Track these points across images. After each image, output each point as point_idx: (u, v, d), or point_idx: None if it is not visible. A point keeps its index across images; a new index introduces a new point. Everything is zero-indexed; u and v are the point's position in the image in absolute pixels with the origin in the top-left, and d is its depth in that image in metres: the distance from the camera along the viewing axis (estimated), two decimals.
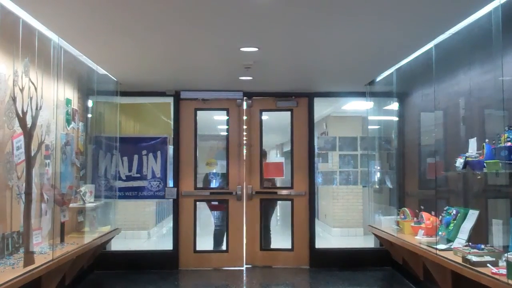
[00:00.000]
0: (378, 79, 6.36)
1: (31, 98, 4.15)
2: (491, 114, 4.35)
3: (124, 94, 6.72)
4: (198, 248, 7.08)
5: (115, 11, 3.72)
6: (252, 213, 7.25)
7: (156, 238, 9.99)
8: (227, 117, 7.29)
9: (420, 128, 6.29)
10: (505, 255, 3.49)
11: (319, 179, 7.97)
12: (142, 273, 6.59)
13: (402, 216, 5.85)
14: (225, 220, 7.22)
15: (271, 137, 11.47)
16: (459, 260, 3.93)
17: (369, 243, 7.62)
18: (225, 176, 7.30)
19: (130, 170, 6.94)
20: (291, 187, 7.32)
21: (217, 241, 7.51)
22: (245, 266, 7.07)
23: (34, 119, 4.17)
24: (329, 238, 9.76)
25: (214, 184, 7.51)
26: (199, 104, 7.15)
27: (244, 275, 6.83)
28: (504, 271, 3.33)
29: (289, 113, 7.40)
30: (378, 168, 7.32)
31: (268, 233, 7.50)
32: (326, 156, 8.53)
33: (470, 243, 4.22)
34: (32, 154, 4.12)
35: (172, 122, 7.11)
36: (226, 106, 7.26)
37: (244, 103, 7.34)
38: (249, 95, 7.21)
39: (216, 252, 7.28)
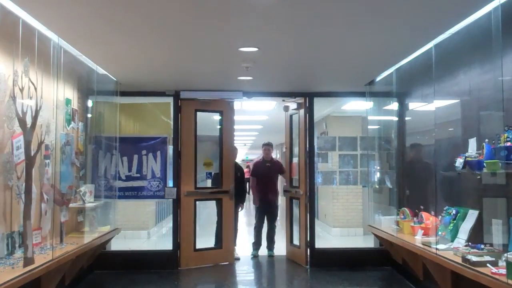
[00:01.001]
0: (378, 79, 6.36)
1: (31, 98, 4.15)
2: (490, 114, 4.35)
3: (124, 94, 6.71)
4: (197, 247, 7.12)
5: (115, 11, 3.73)
6: (286, 210, 7.78)
7: (156, 238, 9.99)
8: (220, 119, 7.42)
9: (419, 128, 6.30)
10: (505, 255, 3.49)
11: (319, 179, 7.98)
12: (142, 273, 6.59)
13: (402, 216, 5.85)
14: (220, 218, 7.37)
15: (271, 137, 11.50)
16: (459, 260, 3.94)
17: (369, 243, 7.63)
18: (219, 176, 7.41)
19: (130, 170, 6.94)
20: (298, 187, 7.42)
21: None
22: (236, 260, 7.30)
23: (34, 119, 4.17)
24: (329, 238, 9.76)
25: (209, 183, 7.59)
26: (198, 105, 7.19)
27: (239, 270, 6.89)
28: (503, 271, 3.33)
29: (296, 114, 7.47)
30: (378, 168, 7.32)
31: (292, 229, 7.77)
32: (326, 156, 8.54)
33: (469, 243, 4.22)
34: (32, 154, 4.12)
35: (172, 122, 7.12)
36: (220, 108, 7.35)
37: (286, 106, 7.81)
38: (249, 95, 7.23)
39: (212, 249, 7.30)
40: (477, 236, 4.30)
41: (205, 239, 7.50)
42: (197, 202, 7.24)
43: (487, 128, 4.36)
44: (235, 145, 8.42)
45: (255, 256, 7.73)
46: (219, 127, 7.50)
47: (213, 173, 7.52)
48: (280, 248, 7.90)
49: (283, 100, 7.65)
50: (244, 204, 8.66)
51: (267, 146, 8.22)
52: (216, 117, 7.51)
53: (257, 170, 8.21)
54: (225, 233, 7.28)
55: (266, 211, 8.01)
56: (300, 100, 7.32)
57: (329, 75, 6.27)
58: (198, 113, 7.24)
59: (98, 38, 4.51)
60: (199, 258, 7.04)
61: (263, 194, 8.01)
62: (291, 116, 7.83)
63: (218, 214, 7.44)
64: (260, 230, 7.97)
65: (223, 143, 7.40)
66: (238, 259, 7.49)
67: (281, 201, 9.86)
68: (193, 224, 7.10)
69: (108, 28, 4.17)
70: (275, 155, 14.75)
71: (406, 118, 6.75)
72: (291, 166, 7.85)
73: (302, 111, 7.32)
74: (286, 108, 7.88)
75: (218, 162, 7.37)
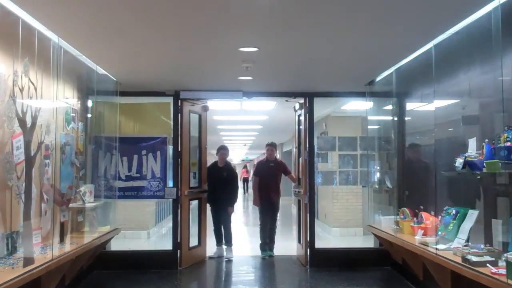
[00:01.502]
0: (378, 79, 6.36)
1: (30, 98, 4.16)
2: (490, 114, 4.35)
3: (124, 94, 6.72)
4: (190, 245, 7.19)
5: (114, 11, 3.73)
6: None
7: (156, 238, 10.00)
8: (198, 121, 7.61)
9: (419, 128, 6.30)
10: (505, 255, 3.49)
11: (318, 179, 7.98)
12: (142, 273, 6.59)
13: (402, 216, 5.85)
14: (199, 217, 7.52)
15: (271, 137, 11.50)
16: (459, 260, 3.94)
17: (368, 243, 7.63)
18: (200, 176, 7.62)
19: (129, 170, 6.94)
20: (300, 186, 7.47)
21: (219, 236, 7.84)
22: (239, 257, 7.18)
23: (34, 119, 4.17)
24: (328, 238, 9.76)
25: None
26: (190, 106, 7.27)
27: (239, 269, 6.89)
28: (503, 271, 3.33)
29: (289, 112, 7.45)
30: (378, 168, 7.32)
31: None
32: (325, 156, 8.54)
33: (469, 243, 4.22)
34: (32, 154, 4.12)
35: (171, 122, 7.12)
36: (199, 111, 7.59)
37: (297, 105, 7.78)
38: (248, 95, 7.23)
39: (196, 247, 7.33)
40: (477, 236, 4.31)
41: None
42: (190, 202, 7.33)
43: (487, 128, 4.36)
44: (226, 145, 8.49)
45: (264, 258, 7.64)
46: (198, 129, 7.70)
47: (196, 173, 7.62)
48: (282, 247, 7.90)
49: (286, 100, 7.61)
50: (239, 206, 8.60)
51: (271, 146, 8.15)
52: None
53: (260, 170, 8.19)
54: (203, 232, 7.48)
55: (268, 211, 7.94)
56: (301, 100, 7.32)
57: (329, 75, 6.27)
58: (192, 115, 7.38)
59: (98, 38, 4.51)
60: (191, 256, 7.10)
61: (266, 194, 7.92)
62: (299, 116, 7.79)
63: (198, 213, 7.55)
64: (266, 230, 7.88)
65: (202, 144, 7.64)
66: (230, 260, 7.47)
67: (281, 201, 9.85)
68: (187, 223, 7.16)
69: (108, 28, 4.17)
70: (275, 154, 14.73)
71: (406, 118, 6.75)
72: (298, 166, 7.83)
73: (302, 111, 7.31)
74: (295, 108, 7.87)
75: (198, 163, 7.59)
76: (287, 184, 9.64)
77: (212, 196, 7.68)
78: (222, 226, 7.79)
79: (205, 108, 7.77)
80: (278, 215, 8.33)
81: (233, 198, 7.92)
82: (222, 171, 7.84)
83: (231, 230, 7.84)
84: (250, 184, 29.85)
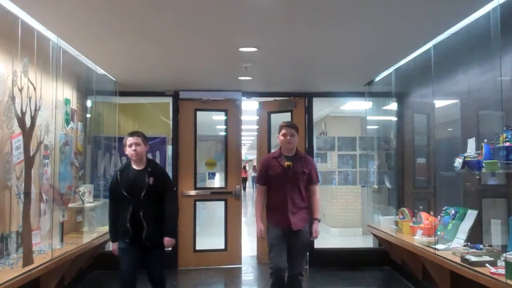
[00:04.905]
0: (377, 79, 6.37)
1: (30, 98, 4.15)
2: (489, 114, 4.36)
3: (123, 94, 6.72)
4: (197, 248, 7.11)
5: (114, 11, 3.72)
6: None
7: None
8: (225, 118, 7.37)
9: (418, 128, 6.31)
10: (504, 255, 3.49)
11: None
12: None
13: (401, 216, 5.86)
14: (225, 219, 7.28)
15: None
16: (458, 260, 3.94)
17: (368, 243, 7.64)
18: (224, 176, 7.37)
19: None
20: None
21: None
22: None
23: (33, 119, 4.17)
24: (328, 238, 9.76)
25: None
26: (199, 104, 7.18)
27: (242, 273, 6.85)
28: (502, 271, 3.34)
29: (288, 113, 7.43)
30: (377, 168, 7.33)
31: None
32: (325, 156, 8.53)
33: (468, 243, 4.23)
34: (31, 154, 4.11)
35: (171, 122, 7.12)
36: (225, 107, 7.30)
37: (257, 105, 7.61)
38: (248, 95, 7.23)
39: (215, 251, 7.25)
40: (477, 236, 4.31)
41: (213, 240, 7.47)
42: (197, 203, 7.21)
43: (486, 128, 4.36)
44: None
45: None
46: (224, 126, 7.48)
47: (215, 174, 7.46)
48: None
49: (275, 99, 7.48)
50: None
51: (289, 129, 4.47)
52: (217, 116, 7.50)
53: (268, 171, 4.52)
54: (230, 235, 7.24)
55: (283, 246, 4.46)
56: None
57: (328, 75, 6.28)
58: (199, 113, 7.24)
59: (97, 38, 4.51)
60: (200, 259, 7.03)
61: (280, 215, 4.43)
62: (269, 113, 7.58)
63: (224, 215, 7.37)
64: (281, 280, 4.53)
65: (228, 143, 7.38)
66: None
67: None
68: (192, 224, 7.09)
69: (107, 28, 4.17)
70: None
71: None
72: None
73: (297, 110, 7.23)
74: (261, 106, 7.66)
75: (224, 162, 7.35)
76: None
77: (125, 226, 4.22)
78: (152, 280, 4.70)
79: (234, 104, 7.25)
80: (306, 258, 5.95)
81: (171, 222, 4.41)
82: (142, 177, 4.23)
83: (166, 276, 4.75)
84: (250, 183, 27.93)
